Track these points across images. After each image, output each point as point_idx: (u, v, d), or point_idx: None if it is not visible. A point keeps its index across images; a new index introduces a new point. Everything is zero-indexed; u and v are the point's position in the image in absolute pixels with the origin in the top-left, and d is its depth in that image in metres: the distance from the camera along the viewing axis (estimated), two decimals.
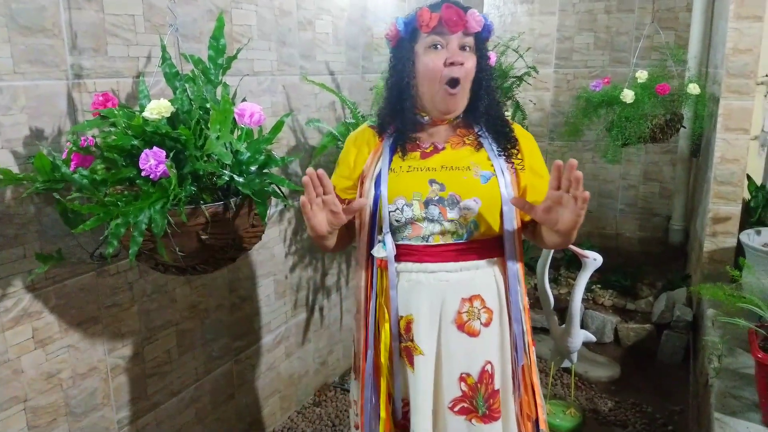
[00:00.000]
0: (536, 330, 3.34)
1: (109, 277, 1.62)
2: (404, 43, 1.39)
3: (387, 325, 1.42)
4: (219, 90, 1.42)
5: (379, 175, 1.40)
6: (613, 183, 3.98)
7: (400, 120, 1.42)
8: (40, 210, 1.41)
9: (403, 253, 1.40)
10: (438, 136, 1.44)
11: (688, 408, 2.60)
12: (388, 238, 1.39)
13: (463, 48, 1.35)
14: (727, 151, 2.67)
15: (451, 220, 1.37)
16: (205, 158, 1.26)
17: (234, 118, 1.30)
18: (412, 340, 1.41)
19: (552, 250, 2.39)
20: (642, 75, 2.83)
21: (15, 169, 1.33)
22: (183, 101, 1.31)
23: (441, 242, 1.39)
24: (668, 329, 2.98)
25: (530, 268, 3.39)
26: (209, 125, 1.23)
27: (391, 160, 1.41)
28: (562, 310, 2.82)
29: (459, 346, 1.40)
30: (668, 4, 3.62)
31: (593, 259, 2.31)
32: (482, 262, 1.42)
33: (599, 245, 3.59)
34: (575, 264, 3.54)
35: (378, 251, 1.39)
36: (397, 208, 1.38)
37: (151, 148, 1.15)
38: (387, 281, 1.41)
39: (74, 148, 1.23)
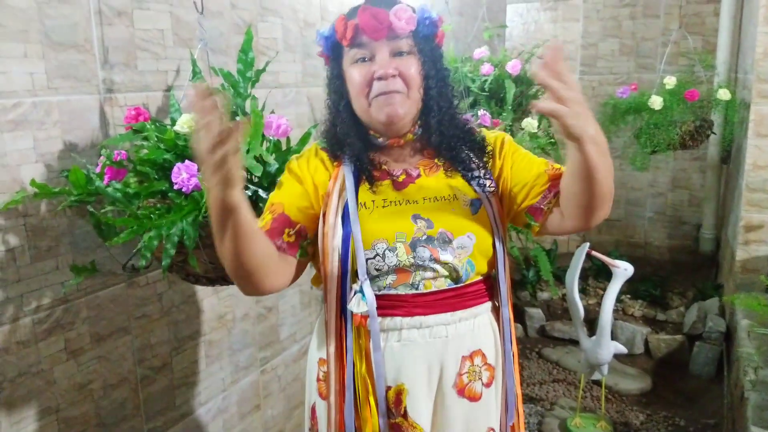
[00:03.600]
0: (565, 342, 3.29)
1: (139, 289, 1.64)
2: (332, 61, 1.18)
3: (372, 400, 1.14)
4: (248, 103, 1.43)
5: (345, 210, 1.13)
6: (641, 191, 3.92)
7: (351, 147, 1.15)
8: (72, 222, 1.43)
9: (387, 306, 1.13)
10: (406, 161, 1.19)
11: (722, 422, 2.53)
12: (368, 288, 1.10)
13: (398, 54, 1.11)
14: (759, 158, 2.62)
15: (445, 263, 1.13)
16: None
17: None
18: (404, 416, 1.15)
19: (582, 259, 2.35)
20: (670, 81, 2.79)
21: (49, 183, 1.36)
22: None
23: (434, 289, 1.14)
24: (700, 340, 2.91)
25: (559, 279, 3.35)
26: None
27: (357, 190, 1.14)
28: (592, 321, 2.77)
29: (459, 414, 1.18)
30: (695, 9, 3.57)
31: (624, 269, 2.27)
32: (479, 308, 1.20)
33: (627, 254, 3.54)
34: (604, 274, 3.49)
35: (357, 305, 1.10)
36: (377, 254, 1.11)
37: (182, 161, 1.17)
38: (368, 343, 1.13)
39: (108, 162, 1.25)
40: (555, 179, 1.15)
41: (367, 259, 1.11)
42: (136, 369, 1.65)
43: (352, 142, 1.15)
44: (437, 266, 1.13)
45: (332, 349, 1.16)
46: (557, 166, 1.20)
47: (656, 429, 2.54)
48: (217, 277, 1.34)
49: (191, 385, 1.85)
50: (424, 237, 1.12)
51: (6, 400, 1.34)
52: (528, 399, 2.80)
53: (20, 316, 1.35)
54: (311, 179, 1.16)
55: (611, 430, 2.46)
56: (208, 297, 1.89)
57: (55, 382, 1.44)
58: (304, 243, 1.15)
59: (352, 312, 1.12)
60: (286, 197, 1.15)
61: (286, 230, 1.13)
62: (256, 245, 1.01)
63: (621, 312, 3.29)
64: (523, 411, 1.30)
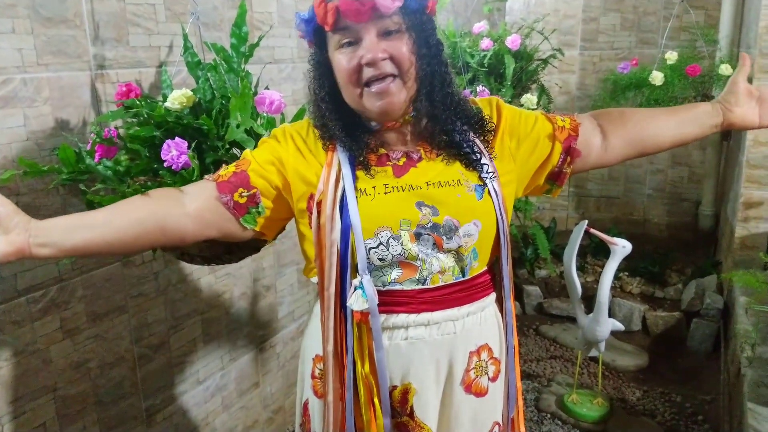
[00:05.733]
0: (563, 319, 3.30)
1: (135, 268, 1.63)
2: (315, 46, 1.09)
3: (377, 401, 1.09)
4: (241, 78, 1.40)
5: (343, 199, 1.05)
6: (640, 168, 3.90)
7: (341, 134, 1.07)
8: (66, 201, 1.42)
9: (393, 302, 1.07)
10: (406, 143, 1.12)
11: (719, 397, 2.55)
12: (368, 283, 1.04)
13: (386, 33, 1.01)
14: (760, 134, 2.60)
15: (448, 251, 1.07)
16: (227, 146, 1.25)
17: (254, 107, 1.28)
18: (411, 415, 1.11)
19: (580, 237, 2.35)
20: (671, 56, 2.75)
21: (40, 161, 1.34)
22: (205, 91, 1.30)
23: (441, 283, 1.08)
24: (698, 317, 2.92)
25: (556, 256, 3.35)
26: (230, 113, 1.22)
27: (355, 178, 1.07)
28: (589, 298, 2.77)
29: (466, 411, 1.15)
30: None
31: (622, 247, 2.26)
32: (485, 301, 1.16)
33: (626, 231, 3.53)
34: (602, 251, 3.49)
35: (357, 302, 1.04)
36: (381, 243, 1.04)
37: (173, 138, 1.14)
38: (371, 341, 1.07)
39: (98, 140, 1.23)
40: (566, 141, 1.18)
41: (370, 248, 1.05)
42: (133, 348, 1.65)
43: (343, 129, 1.07)
44: (441, 255, 1.07)
45: (330, 347, 1.09)
46: (560, 122, 1.20)
47: (653, 405, 2.55)
48: (212, 256, 1.33)
49: (189, 363, 1.86)
50: (430, 224, 1.06)
51: (2, 380, 1.34)
52: (525, 376, 2.81)
53: (14, 296, 1.34)
54: (292, 153, 1.10)
55: (608, 407, 2.48)
56: (205, 276, 1.88)
57: (51, 362, 1.44)
58: (253, 210, 1.09)
59: (352, 309, 1.06)
60: (257, 157, 1.10)
61: (240, 189, 1.08)
62: (127, 236, 1.02)
63: (619, 289, 3.29)
64: (523, 403, 1.28)
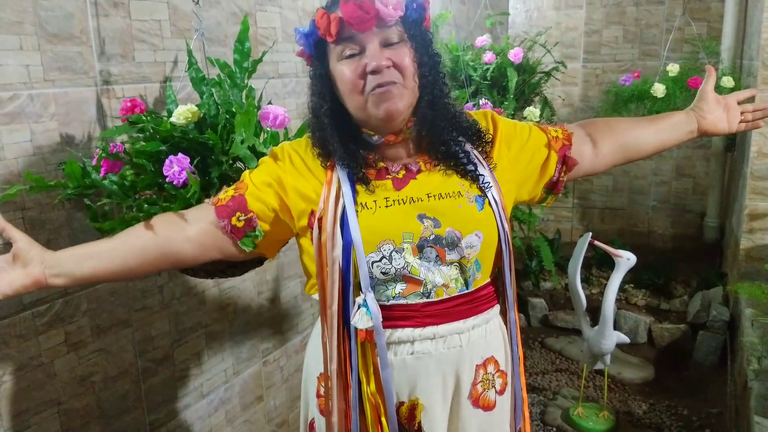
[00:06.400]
0: (568, 331, 3.29)
1: (139, 281, 1.63)
2: (315, 60, 1.09)
3: (384, 420, 1.07)
4: (245, 93, 1.41)
5: (343, 217, 1.05)
6: (644, 179, 3.90)
7: (341, 150, 1.07)
8: (71, 215, 1.43)
9: (397, 317, 1.07)
10: (405, 156, 1.12)
11: (725, 411, 2.53)
12: (372, 301, 1.03)
13: (388, 44, 1.03)
14: (765, 145, 2.60)
15: (451, 263, 1.07)
16: (231, 161, 1.26)
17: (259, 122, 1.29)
18: (419, 431, 1.11)
19: (584, 249, 2.34)
20: (673, 68, 2.76)
21: (46, 176, 1.35)
22: (210, 106, 1.31)
23: (445, 296, 1.08)
24: (704, 329, 2.90)
25: (561, 268, 3.34)
26: (235, 128, 1.23)
27: (355, 193, 1.07)
28: (595, 310, 2.76)
29: (474, 425, 1.14)
30: None
31: (627, 259, 2.26)
32: (490, 313, 1.16)
33: (631, 243, 3.53)
34: (607, 263, 3.48)
35: (361, 320, 1.03)
36: (384, 257, 1.04)
37: (177, 153, 1.15)
38: (376, 359, 1.06)
39: (104, 155, 1.24)
40: (561, 150, 1.23)
41: (373, 262, 1.04)
42: (137, 361, 1.65)
43: (342, 144, 1.07)
44: (443, 267, 1.07)
45: (334, 366, 1.08)
46: (553, 133, 1.24)
47: (659, 418, 2.53)
48: (215, 270, 1.33)
49: (193, 377, 1.86)
50: (432, 237, 1.06)
51: (7, 394, 1.35)
52: (531, 389, 2.80)
53: (20, 310, 1.35)
54: (291, 172, 1.11)
55: (614, 420, 2.46)
56: (209, 289, 1.89)
57: (55, 375, 1.44)
58: (251, 233, 1.10)
59: (356, 328, 1.04)
60: (254, 179, 1.11)
61: (237, 213, 1.09)
62: (131, 263, 1.08)
63: (624, 301, 3.28)
64: (529, 414, 1.27)
